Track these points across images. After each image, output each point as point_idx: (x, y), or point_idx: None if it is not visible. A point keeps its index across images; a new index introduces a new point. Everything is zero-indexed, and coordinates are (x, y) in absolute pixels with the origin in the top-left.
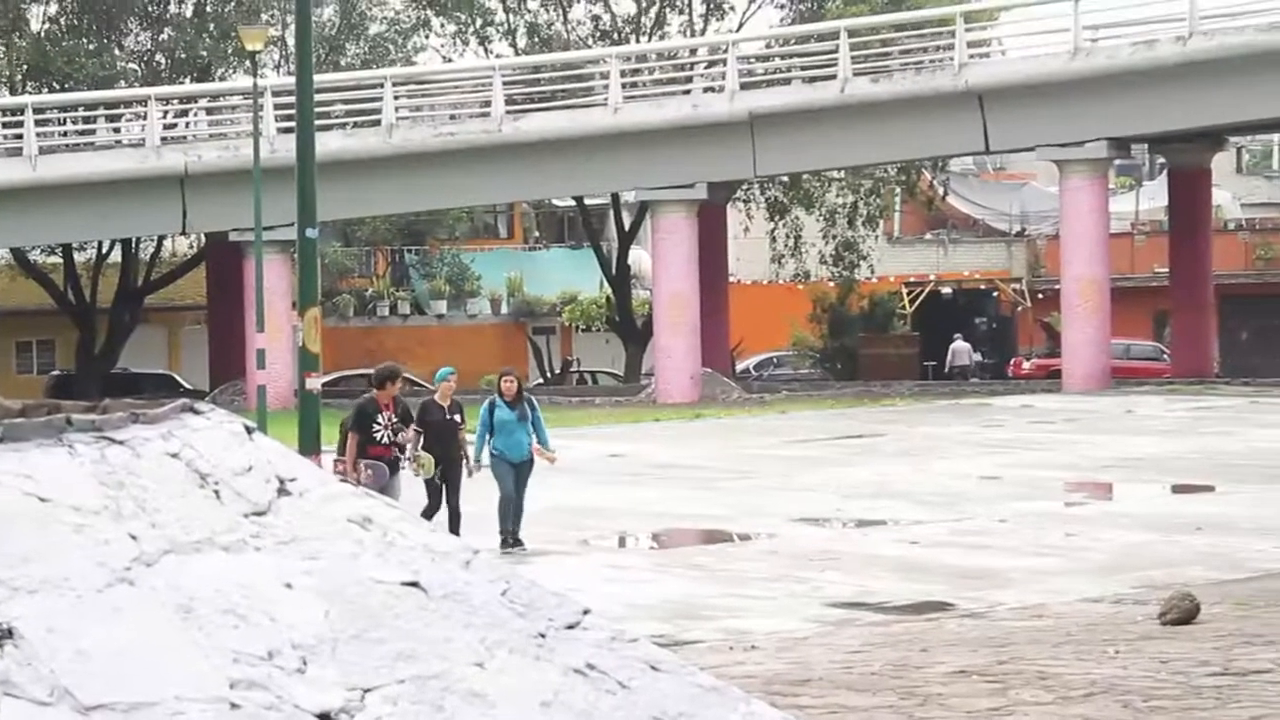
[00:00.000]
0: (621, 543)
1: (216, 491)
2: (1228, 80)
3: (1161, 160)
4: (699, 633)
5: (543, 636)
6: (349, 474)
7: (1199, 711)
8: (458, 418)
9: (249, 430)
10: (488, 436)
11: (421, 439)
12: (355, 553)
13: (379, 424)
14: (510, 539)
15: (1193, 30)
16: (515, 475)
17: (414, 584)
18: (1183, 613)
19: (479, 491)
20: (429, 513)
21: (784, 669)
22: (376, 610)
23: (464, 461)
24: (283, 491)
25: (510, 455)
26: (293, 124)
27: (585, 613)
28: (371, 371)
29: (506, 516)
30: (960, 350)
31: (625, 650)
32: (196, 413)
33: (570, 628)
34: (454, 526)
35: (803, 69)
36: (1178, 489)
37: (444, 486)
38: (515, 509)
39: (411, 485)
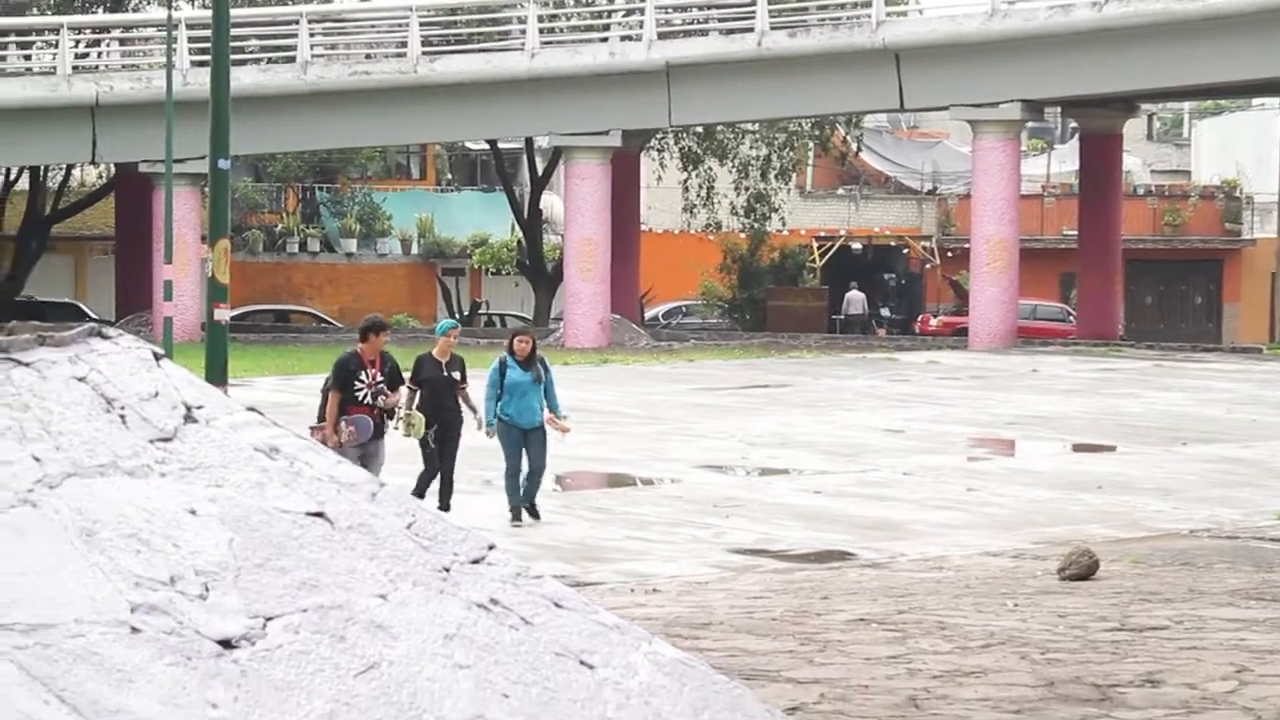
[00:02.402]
0: None
1: (123, 416)
2: (1141, 47)
3: (1074, 124)
4: (601, 574)
5: (447, 570)
6: (329, 437)
7: (1095, 665)
8: (456, 375)
9: (157, 357)
10: (497, 398)
11: (416, 397)
12: (261, 481)
13: (361, 381)
14: (517, 513)
15: None
16: (526, 443)
17: (319, 514)
18: (1081, 569)
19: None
20: (425, 478)
21: (685, 612)
22: (280, 539)
23: (462, 423)
24: (189, 418)
25: (520, 421)
26: (206, 57)
27: (490, 548)
28: (275, 307)
29: (514, 490)
30: (855, 299)
31: (529, 586)
32: (104, 338)
33: (475, 563)
34: (445, 497)
35: (720, 21)
36: (1079, 448)
37: (439, 450)
38: (531, 477)
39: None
